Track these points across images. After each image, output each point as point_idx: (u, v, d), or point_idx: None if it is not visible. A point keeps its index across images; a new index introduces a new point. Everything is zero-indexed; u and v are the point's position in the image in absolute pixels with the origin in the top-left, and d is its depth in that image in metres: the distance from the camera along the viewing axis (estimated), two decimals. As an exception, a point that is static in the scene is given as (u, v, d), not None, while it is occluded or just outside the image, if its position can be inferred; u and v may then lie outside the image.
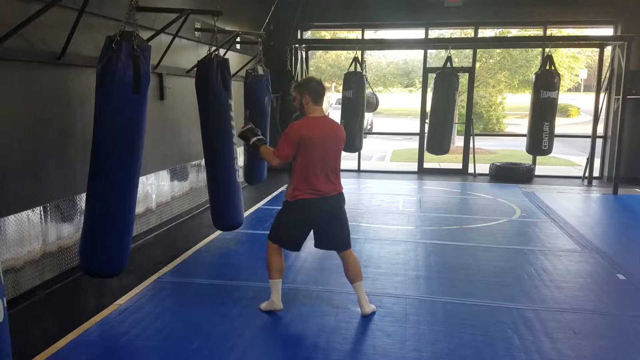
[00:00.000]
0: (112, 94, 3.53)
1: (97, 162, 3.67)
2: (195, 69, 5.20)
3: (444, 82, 8.96)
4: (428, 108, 10.52)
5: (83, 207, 4.58)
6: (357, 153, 10.02)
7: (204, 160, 5.38)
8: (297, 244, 3.86)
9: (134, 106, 3.60)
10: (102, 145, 3.64)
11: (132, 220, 3.88)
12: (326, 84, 29.00)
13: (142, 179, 5.55)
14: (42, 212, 4.12)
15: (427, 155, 10.74)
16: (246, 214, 6.82)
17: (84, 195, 4.57)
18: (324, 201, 3.69)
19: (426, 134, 9.47)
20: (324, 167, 3.66)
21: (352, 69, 9.16)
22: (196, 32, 6.62)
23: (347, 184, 8.53)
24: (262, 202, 7.77)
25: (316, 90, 3.67)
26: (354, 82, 8.94)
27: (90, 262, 3.80)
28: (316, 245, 3.88)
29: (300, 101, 3.69)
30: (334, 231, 3.80)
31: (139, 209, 5.60)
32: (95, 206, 3.70)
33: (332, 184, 3.71)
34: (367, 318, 3.81)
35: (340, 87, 8.60)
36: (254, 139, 3.82)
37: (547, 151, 8.77)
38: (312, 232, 3.83)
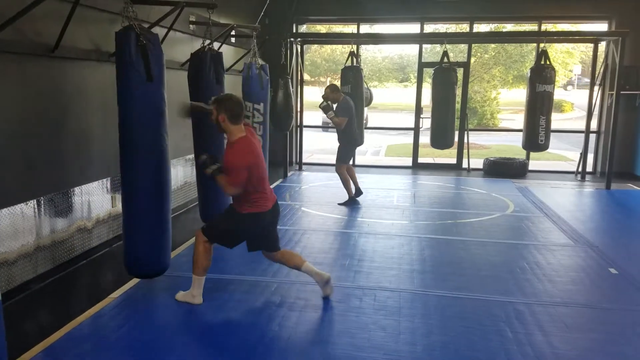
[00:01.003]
0: (129, 85, 3.70)
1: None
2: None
3: (444, 76, 8.96)
4: (423, 103, 10.54)
5: (76, 201, 4.59)
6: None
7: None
8: (233, 246, 4.00)
9: (151, 94, 3.74)
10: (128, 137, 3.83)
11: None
12: (321, 79, 29.01)
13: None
14: (35, 206, 4.11)
15: (421, 150, 10.78)
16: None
17: (77, 189, 4.59)
18: (270, 212, 3.86)
19: (430, 130, 9.46)
20: (265, 179, 3.85)
21: (348, 63, 9.16)
22: (191, 25, 6.59)
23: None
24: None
25: (234, 111, 3.66)
26: (352, 76, 8.91)
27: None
28: (249, 250, 4.02)
29: (217, 117, 3.69)
30: (274, 236, 4.01)
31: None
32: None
33: (271, 192, 3.92)
34: (361, 312, 3.83)
35: (336, 82, 8.56)
36: (214, 167, 3.73)
37: (544, 146, 8.70)
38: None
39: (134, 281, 4.31)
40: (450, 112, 9.17)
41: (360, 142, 7.60)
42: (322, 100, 6.99)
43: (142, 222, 3.87)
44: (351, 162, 10.27)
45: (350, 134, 7.10)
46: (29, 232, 4.05)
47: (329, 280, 4.00)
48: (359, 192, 7.32)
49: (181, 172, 6.77)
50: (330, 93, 6.95)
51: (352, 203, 7.16)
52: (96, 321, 3.64)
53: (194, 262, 3.86)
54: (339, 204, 7.15)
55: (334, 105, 6.93)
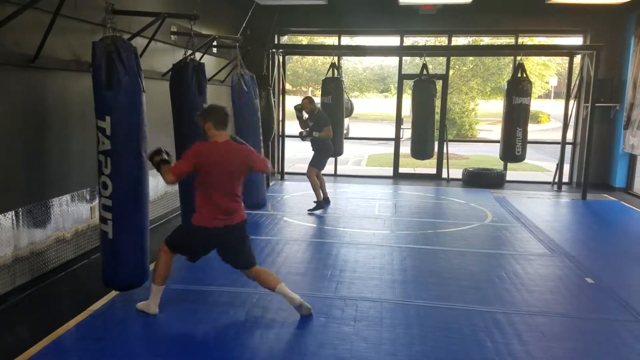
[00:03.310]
0: (96, 94, 3.68)
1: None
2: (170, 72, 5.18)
3: (424, 89, 9.09)
4: (404, 114, 10.64)
5: (56, 212, 4.53)
6: (334, 158, 10.07)
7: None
8: (194, 258, 3.93)
9: (108, 102, 3.65)
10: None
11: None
12: (303, 89, 29.11)
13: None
14: (14, 217, 4.05)
15: (402, 160, 10.87)
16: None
17: (56, 200, 4.53)
18: (227, 229, 3.72)
19: (410, 141, 9.57)
20: (225, 192, 3.67)
21: (329, 74, 9.23)
22: (172, 36, 6.59)
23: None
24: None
25: (218, 117, 3.69)
26: (333, 87, 8.99)
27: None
28: (223, 260, 3.94)
29: (203, 127, 3.72)
30: (238, 255, 3.87)
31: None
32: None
33: (234, 211, 3.73)
34: (343, 322, 3.84)
35: (317, 92, 8.64)
36: (159, 157, 3.73)
37: (521, 157, 8.95)
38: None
39: (114, 293, 4.26)
40: (430, 124, 9.30)
41: (338, 152, 7.86)
42: (296, 110, 7.44)
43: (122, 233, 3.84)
44: (333, 172, 10.37)
45: (328, 143, 7.38)
46: (7, 243, 3.98)
47: (301, 304, 3.85)
48: (327, 201, 7.59)
49: (162, 182, 6.72)
50: (309, 104, 7.34)
51: (319, 208, 7.34)
52: (76, 334, 3.59)
53: (154, 271, 3.85)
54: (308, 210, 7.29)
55: (310, 122, 7.36)
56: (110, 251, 3.87)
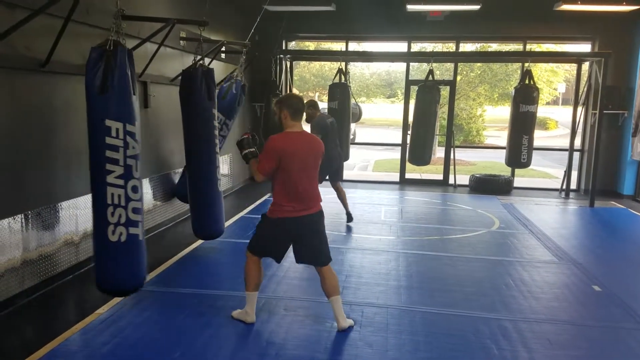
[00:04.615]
0: (89, 98, 3.59)
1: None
2: (179, 77, 5.21)
3: (426, 95, 9.08)
4: (410, 119, 10.65)
5: (64, 215, 4.57)
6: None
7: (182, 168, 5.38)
8: (277, 257, 3.88)
9: (100, 107, 3.55)
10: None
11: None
12: (310, 94, 29.16)
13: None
14: (23, 220, 4.09)
15: (408, 165, 10.86)
16: (229, 222, 6.83)
17: (64, 203, 4.57)
18: (304, 219, 3.70)
19: (408, 145, 9.57)
20: (304, 182, 3.67)
21: (336, 79, 9.25)
22: (181, 41, 6.64)
23: (331, 193, 8.56)
24: (245, 211, 7.77)
25: (295, 106, 3.72)
26: (339, 93, 9.02)
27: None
28: (297, 261, 3.87)
29: (279, 116, 3.75)
30: (313, 247, 3.80)
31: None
32: None
33: (312, 200, 3.74)
34: (349, 328, 3.84)
35: (324, 97, 8.67)
36: (247, 150, 3.80)
37: (526, 164, 8.98)
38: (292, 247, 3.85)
39: (121, 297, 4.29)
40: (429, 130, 9.24)
41: (337, 162, 6.95)
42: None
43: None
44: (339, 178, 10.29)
45: (326, 154, 6.79)
46: (16, 246, 4.02)
47: (343, 329, 3.78)
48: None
49: (170, 186, 6.76)
50: (307, 109, 6.80)
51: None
52: (82, 337, 3.61)
53: (244, 278, 3.86)
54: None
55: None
56: (141, 252, 3.81)
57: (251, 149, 3.82)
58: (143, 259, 3.86)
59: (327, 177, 6.82)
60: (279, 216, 3.69)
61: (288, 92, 10.25)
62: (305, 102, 3.92)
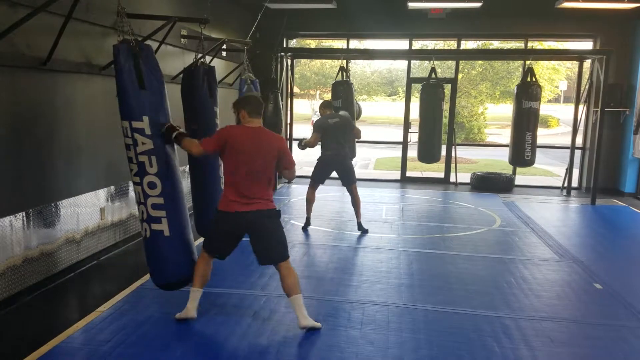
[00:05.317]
0: (126, 95, 3.63)
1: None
2: (180, 75, 5.21)
3: (432, 92, 9.08)
4: (411, 117, 10.64)
5: (65, 213, 4.58)
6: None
7: (187, 166, 5.37)
8: (222, 254, 3.87)
9: (145, 100, 3.66)
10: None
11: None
12: (310, 92, 29.14)
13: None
14: (24, 218, 4.09)
15: (409, 163, 10.87)
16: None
17: (65, 201, 4.58)
18: (248, 214, 3.66)
19: (417, 144, 9.56)
20: (250, 176, 3.64)
21: (338, 77, 9.24)
22: (182, 39, 6.64)
23: (331, 192, 8.60)
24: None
25: (252, 104, 3.75)
26: (342, 91, 9.01)
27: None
28: (259, 262, 3.85)
29: (238, 117, 3.80)
30: (262, 245, 3.76)
31: (123, 215, 5.59)
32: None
33: (258, 197, 3.68)
34: (350, 326, 3.85)
35: (325, 95, 8.64)
36: (175, 133, 3.75)
37: (530, 162, 8.92)
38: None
39: (122, 294, 4.30)
40: (437, 128, 9.28)
41: (335, 163, 6.49)
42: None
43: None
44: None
45: (322, 152, 6.53)
46: (17, 244, 4.03)
47: (305, 328, 3.74)
48: (307, 222, 6.66)
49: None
50: (319, 108, 6.71)
51: (306, 226, 6.65)
52: (83, 335, 3.62)
53: (194, 274, 3.86)
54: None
55: None
56: (166, 247, 3.80)
57: (178, 131, 3.75)
58: (171, 255, 3.81)
59: (342, 181, 6.59)
60: (222, 209, 3.71)
61: (289, 90, 10.26)
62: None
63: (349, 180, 6.54)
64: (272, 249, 3.76)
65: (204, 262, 3.86)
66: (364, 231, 6.48)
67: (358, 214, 6.56)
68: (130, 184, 5.63)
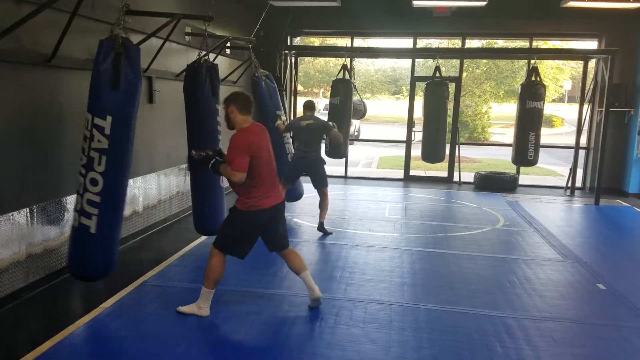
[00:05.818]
0: (98, 92, 3.68)
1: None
2: (184, 73, 5.21)
3: (436, 91, 9.06)
4: (415, 116, 10.63)
5: (70, 209, 4.59)
6: (343, 159, 10.06)
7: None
8: (244, 253, 3.94)
9: (114, 101, 3.66)
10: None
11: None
12: (314, 90, 29.12)
13: (129, 182, 5.54)
14: (28, 214, 4.10)
15: (413, 162, 10.85)
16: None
17: (70, 198, 4.59)
18: (277, 207, 3.87)
19: (421, 144, 9.54)
20: (272, 172, 3.87)
21: (340, 76, 9.23)
22: (186, 37, 6.64)
23: (334, 190, 8.59)
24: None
25: (242, 101, 3.78)
26: (341, 89, 9.01)
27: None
28: (270, 249, 4.04)
29: (227, 112, 3.78)
30: (281, 234, 3.99)
31: (126, 212, 5.59)
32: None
33: (277, 188, 3.92)
34: (352, 324, 3.85)
35: (329, 93, 8.64)
36: (214, 160, 3.78)
37: (533, 161, 8.89)
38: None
39: (125, 291, 4.31)
40: (441, 127, 9.26)
41: (303, 165, 6.36)
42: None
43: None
44: (344, 174, 10.26)
45: (294, 152, 6.74)
46: (21, 240, 4.04)
47: (319, 299, 4.06)
48: None
49: (174, 182, 6.78)
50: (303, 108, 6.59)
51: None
52: (86, 331, 3.63)
53: (205, 275, 3.87)
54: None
55: None
56: (88, 243, 3.81)
57: (217, 157, 3.79)
58: (92, 253, 3.82)
59: (313, 183, 6.41)
60: (248, 209, 3.76)
61: (293, 88, 10.26)
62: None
63: (318, 184, 6.38)
64: (284, 237, 4.02)
65: (221, 265, 3.87)
66: (325, 233, 6.32)
67: (322, 215, 6.40)
68: (133, 180, 5.66)
